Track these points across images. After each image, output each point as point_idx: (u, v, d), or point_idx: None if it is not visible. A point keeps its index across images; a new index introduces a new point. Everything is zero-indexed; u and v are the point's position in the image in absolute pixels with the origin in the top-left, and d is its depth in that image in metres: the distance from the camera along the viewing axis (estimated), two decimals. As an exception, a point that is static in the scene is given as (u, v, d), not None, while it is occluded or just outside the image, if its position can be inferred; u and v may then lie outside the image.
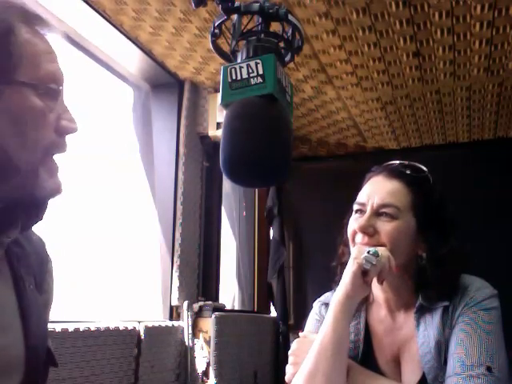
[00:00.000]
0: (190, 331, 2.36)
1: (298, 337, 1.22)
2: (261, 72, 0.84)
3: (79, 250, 2.02)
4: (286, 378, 1.14)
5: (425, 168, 1.21)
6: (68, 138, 0.81)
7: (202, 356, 2.36)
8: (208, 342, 2.38)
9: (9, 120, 0.74)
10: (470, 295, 1.09)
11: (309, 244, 3.56)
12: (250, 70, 0.85)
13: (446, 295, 1.11)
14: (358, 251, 1.09)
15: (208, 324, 2.40)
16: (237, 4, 0.90)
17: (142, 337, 2.03)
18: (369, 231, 1.12)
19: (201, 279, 2.60)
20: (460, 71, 2.43)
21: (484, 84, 2.57)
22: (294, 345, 1.18)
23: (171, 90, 2.61)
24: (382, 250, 1.08)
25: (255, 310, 3.29)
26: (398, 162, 1.23)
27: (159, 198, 2.53)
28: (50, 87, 0.77)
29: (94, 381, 1.77)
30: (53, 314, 0.96)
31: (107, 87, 2.46)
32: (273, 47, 0.90)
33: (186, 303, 2.39)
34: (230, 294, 3.23)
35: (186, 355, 2.34)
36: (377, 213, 1.14)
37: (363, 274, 1.07)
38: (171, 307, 2.42)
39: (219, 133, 2.46)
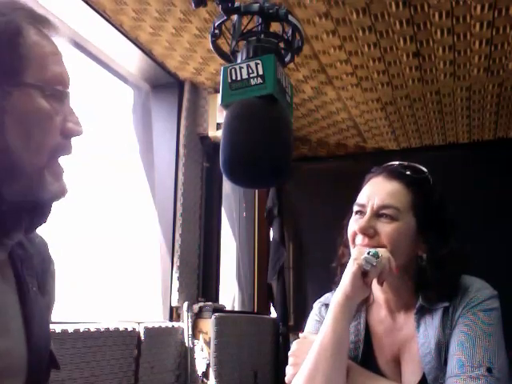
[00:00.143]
0: (190, 332, 2.36)
1: (298, 337, 1.22)
2: (261, 72, 0.84)
3: (79, 251, 2.02)
4: (286, 379, 1.14)
5: (425, 169, 1.21)
6: (73, 141, 0.81)
7: (202, 357, 2.36)
8: (208, 343, 2.38)
9: (16, 122, 0.73)
10: (470, 296, 1.09)
11: (309, 244, 3.56)
12: (250, 71, 0.84)
13: (446, 296, 1.11)
14: (358, 252, 1.09)
15: (208, 325, 2.40)
16: (237, 4, 0.90)
17: (142, 338, 2.03)
18: (369, 232, 1.12)
19: (201, 280, 2.60)
20: (460, 71, 2.43)
21: (484, 84, 2.57)
22: (294, 345, 1.18)
23: (171, 91, 2.61)
24: (382, 251, 1.08)
25: (255, 310, 3.29)
26: (397, 162, 1.23)
27: (159, 199, 2.53)
28: (56, 89, 0.77)
29: (93, 382, 1.77)
30: (53, 315, 0.96)
31: (107, 87, 2.46)
32: (273, 48, 0.90)
33: (185, 304, 2.39)
34: (229, 294, 3.23)
35: (186, 356, 2.34)
36: (377, 214, 1.14)
37: (363, 275, 1.07)
38: (171, 308, 2.42)
39: (219, 133, 2.46)
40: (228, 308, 2.81)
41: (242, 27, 0.93)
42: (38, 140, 0.75)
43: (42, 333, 0.83)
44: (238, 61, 0.90)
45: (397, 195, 1.15)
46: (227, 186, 3.07)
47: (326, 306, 1.22)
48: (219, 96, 0.87)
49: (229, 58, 0.96)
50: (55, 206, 0.82)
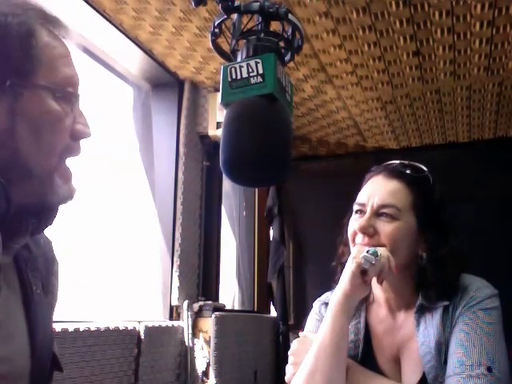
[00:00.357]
0: (190, 331, 2.36)
1: (298, 336, 1.22)
2: (261, 71, 0.84)
3: (79, 250, 2.02)
4: (286, 378, 1.14)
5: (425, 168, 1.21)
6: (82, 142, 0.81)
7: (202, 356, 2.36)
8: (208, 342, 2.38)
9: (26, 123, 0.73)
10: (471, 295, 1.09)
11: (309, 243, 3.56)
12: (250, 70, 0.84)
13: (447, 295, 1.11)
14: (358, 251, 1.09)
15: (208, 324, 2.40)
16: (237, 3, 0.90)
17: (142, 337, 2.03)
18: (369, 232, 1.12)
19: (201, 279, 2.60)
20: (460, 70, 2.43)
21: (484, 83, 2.57)
22: (294, 344, 1.18)
23: (171, 90, 2.61)
24: (381, 250, 1.08)
25: (255, 309, 3.29)
26: (397, 161, 1.22)
27: (159, 198, 2.53)
28: (67, 91, 0.77)
29: (93, 381, 1.77)
30: (54, 314, 0.95)
31: (107, 87, 2.46)
32: (273, 46, 0.89)
33: (185, 303, 2.39)
34: (229, 293, 3.23)
35: (186, 355, 2.34)
36: (377, 213, 1.13)
37: (362, 274, 1.07)
38: (171, 307, 2.42)
39: (219, 132, 2.46)
40: (228, 307, 2.81)
41: (242, 26, 0.92)
42: (49, 142, 0.75)
43: (45, 337, 0.82)
44: (238, 60, 0.90)
45: (397, 194, 1.15)
46: (227, 184, 3.07)
47: (326, 304, 1.22)
48: (219, 95, 0.87)
49: (229, 56, 0.96)
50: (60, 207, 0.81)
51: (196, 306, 2.42)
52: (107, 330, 1.85)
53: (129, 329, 1.97)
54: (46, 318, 0.84)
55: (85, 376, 1.73)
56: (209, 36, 0.96)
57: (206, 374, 2.36)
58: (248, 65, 0.85)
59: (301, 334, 1.23)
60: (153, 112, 2.60)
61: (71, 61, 0.80)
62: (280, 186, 3.30)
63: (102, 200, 2.18)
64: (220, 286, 2.78)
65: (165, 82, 2.59)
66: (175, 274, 2.41)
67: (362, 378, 1.10)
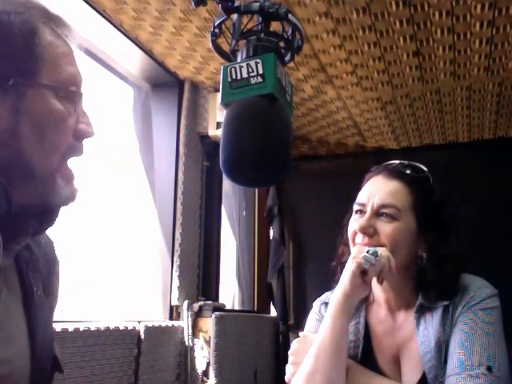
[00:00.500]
0: (190, 331, 2.36)
1: (298, 336, 1.22)
2: (261, 71, 0.84)
3: (79, 250, 2.02)
4: (286, 378, 1.14)
5: (425, 168, 1.21)
6: (85, 142, 0.80)
7: (202, 356, 2.36)
8: (208, 342, 2.38)
9: (29, 123, 0.72)
10: (471, 294, 1.09)
11: (309, 243, 3.56)
12: (250, 70, 0.84)
13: (447, 295, 1.11)
14: (358, 251, 1.09)
15: (208, 324, 2.40)
16: (237, 3, 0.90)
17: (142, 337, 2.03)
18: (369, 232, 1.12)
19: (201, 279, 2.60)
20: (460, 71, 2.43)
21: (484, 83, 2.57)
22: (294, 344, 1.18)
23: (171, 90, 2.61)
24: (381, 250, 1.08)
25: (255, 309, 3.29)
26: (397, 161, 1.23)
27: (159, 198, 2.53)
28: (70, 90, 0.76)
29: (93, 381, 1.77)
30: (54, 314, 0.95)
31: (107, 87, 2.46)
32: (273, 47, 0.89)
33: (185, 303, 2.39)
34: (229, 293, 3.23)
35: (186, 355, 2.34)
36: (377, 213, 1.14)
37: (362, 274, 1.07)
38: (171, 307, 2.42)
39: (219, 132, 2.46)
40: (228, 307, 2.81)
41: (242, 26, 0.93)
42: (52, 142, 0.74)
43: (45, 338, 0.81)
44: (238, 60, 0.90)
45: (397, 194, 1.15)
46: (227, 184, 3.07)
47: (326, 304, 1.22)
48: (219, 95, 0.87)
49: (229, 57, 0.96)
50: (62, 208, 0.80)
51: (196, 306, 2.42)
52: (107, 329, 1.85)
53: (129, 329, 1.98)
54: (46, 320, 0.83)
55: (85, 376, 1.73)
56: (209, 36, 0.97)
57: (205, 373, 2.36)
58: (248, 65, 0.85)
59: (301, 333, 1.23)
60: (153, 112, 2.61)
61: (74, 60, 0.80)
62: (280, 186, 3.30)
63: (102, 200, 2.18)
64: (220, 285, 2.78)
65: (165, 82, 2.59)
66: (175, 274, 2.41)
67: (361, 378, 1.10)
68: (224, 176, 0.89)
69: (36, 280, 0.82)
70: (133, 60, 2.38)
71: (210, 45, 0.97)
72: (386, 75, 2.48)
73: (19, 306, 0.77)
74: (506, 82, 2.55)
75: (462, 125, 3.12)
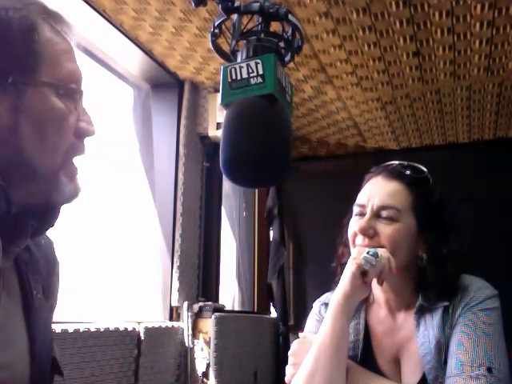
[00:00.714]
0: (190, 332, 2.36)
1: (298, 337, 1.22)
2: (261, 72, 0.84)
3: (79, 250, 2.02)
4: (286, 379, 1.14)
5: (424, 168, 1.21)
6: (86, 141, 0.79)
7: (202, 357, 2.36)
8: (208, 343, 2.38)
9: (30, 122, 0.71)
10: (471, 295, 1.09)
11: (309, 244, 3.56)
12: (250, 70, 0.84)
13: (446, 295, 1.11)
14: (358, 252, 1.09)
15: (208, 325, 2.40)
16: (237, 4, 0.90)
17: (142, 337, 2.03)
18: (369, 233, 1.12)
19: (201, 280, 2.60)
20: (460, 71, 2.43)
21: (484, 84, 2.57)
22: (294, 345, 1.18)
23: (171, 90, 2.61)
24: (381, 251, 1.07)
25: (255, 310, 3.29)
26: (397, 162, 1.22)
27: (159, 198, 2.53)
28: (70, 88, 0.75)
29: (93, 381, 1.77)
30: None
31: (107, 87, 2.46)
32: (273, 47, 0.89)
33: (185, 304, 2.39)
34: (229, 294, 3.23)
35: (186, 356, 2.34)
36: (377, 214, 1.13)
37: (362, 275, 1.07)
38: (171, 308, 2.42)
39: (219, 133, 2.46)
40: (228, 308, 2.81)
41: (242, 26, 0.92)
42: (53, 141, 0.73)
43: (45, 341, 0.80)
44: (238, 60, 0.90)
45: (397, 195, 1.15)
46: (227, 185, 3.07)
47: (326, 305, 1.22)
48: (219, 95, 0.87)
49: (229, 57, 0.96)
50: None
51: (196, 307, 2.42)
52: (107, 330, 1.85)
53: (129, 330, 1.97)
54: (46, 323, 0.82)
55: (85, 377, 1.73)
56: (209, 36, 0.96)
57: (206, 374, 2.35)
58: (248, 65, 0.85)
59: (301, 334, 1.23)
60: (153, 112, 2.60)
61: (74, 57, 0.78)
62: (280, 187, 3.30)
63: (102, 200, 2.18)
64: (220, 286, 2.78)
65: (165, 83, 2.59)
66: (175, 275, 2.41)
67: (361, 379, 1.10)
68: (224, 177, 0.89)
69: (36, 282, 0.81)
70: (133, 60, 2.38)
71: (210, 45, 0.97)
72: (386, 75, 2.48)
73: (19, 310, 0.76)
74: (506, 82, 2.54)
75: (462, 125, 3.12)
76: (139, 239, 2.48)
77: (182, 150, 2.53)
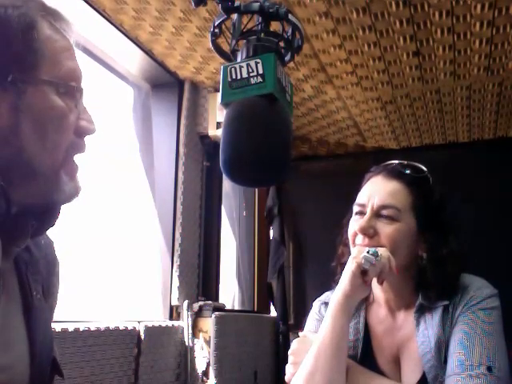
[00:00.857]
0: (190, 331, 2.36)
1: (298, 336, 1.22)
2: (261, 71, 0.84)
3: (79, 250, 2.02)
4: (286, 378, 1.14)
5: (424, 168, 1.21)
6: (86, 139, 0.78)
7: (202, 356, 2.36)
8: (208, 342, 2.38)
9: (30, 121, 0.70)
10: (471, 294, 1.09)
11: (309, 243, 3.56)
12: (250, 70, 0.84)
13: (446, 295, 1.11)
14: (358, 251, 1.09)
15: (208, 324, 2.40)
16: (237, 3, 0.90)
17: (142, 337, 2.03)
18: (369, 233, 1.12)
19: (201, 279, 2.60)
20: (460, 71, 2.43)
21: (484, 83, 2.57)
22: (294, 344, 1.18)
23: (171, 90, 2.61)
24: (381, 251, 1.08)
25: (255, 309, 3.29)
26: (397, 161, 1.23)
27: (159, 198, 2.53)
28: (70, 86, 0.74)
29: (93, 381, 1.77)
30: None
31: (107, 86, 2.46)
32: (273, 46, 0.89)
33: (185, 303, 2.39)
34: (229, 293, 3.23)
35: (186, 355, 2.34)
36: (377, 214, 1.13)
37: (362, 274, 1.07)
38: (171, 307, 2.42)
39: (219, 132, 2.46)
40: (228, 307, 2.81)
41: (242, 26, 0.93)
42: (53, 139, 0.72)
43: (45, 342, 0.80)
44: (238, 60, 0.90)
45: (397, 195, 1.15)
46: (227, 184, 3.07)
47: (326, 304, 1.22)
48: (219, 95, 0.87)
49: (229, 57, 0.96)
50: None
51: (196, 306, 2.42)
52: (107, 329, 1.85)
53: (129, 329, 1.98)
54: (45, 323, 0.82)
55: (85, 376, 1.73)
56: (209, 36, 0.97)
57: (205, 373, 2.36)
58: (248, 65, 0.85)
59: (301, 333, 1.23)
60: (153, 112, 2.60)
61: (74, 54, 0.78)
62: (280, 186, 3.30)
63: (102, 200, 2.18)
64: (220, 285, 2.78)
65: (165, 82, 2.59)
66: (175, 274, 2.41)
67: (361, 378, 1.10)
68: (224, 176, 0.89)
69: (36, 283, 0.80)
70: (133, 60, 2.38)
71: (210, 45, 0.97)
72: (386, 75, 2.48)
73: (18, 311, 0.76)
74: (505, 81, 2.54)
75: (462, 125, 3.12)
76: (139, 239, 2.48)
77: (182, 150, 2.53)
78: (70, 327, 1.67)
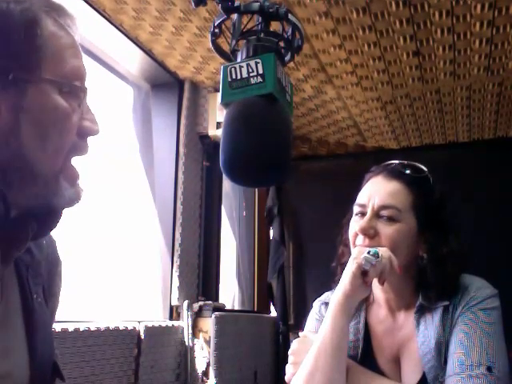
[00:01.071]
0: (190, 331, 2.36)
1: (298, 336, 1.22)
2: (261, 71, 0.84)
3: (79, 250, 2.02)
4: (286, 378, 1.14)
5: (425, 168, 1.21)
6: (89, 140, 0.76)
7: (202, 356, 2.36)
8: (208, 342, 2.38)
9: (31, 121, 0.67)
10: (471, 295, 1.09)
11: (309, 243, 3.56)
12: (250, 70, 0.84)
13: (447, 295, 1.11)
14: (358, 251, 1.09)
15: (208, 324, 2.40)
16: (237, 3, 0.90)
17: (142, 337, 2.03)
18: (369, 233, 1.12)
19: (201, 279, 2.60)
20: (460, 70, 2.43)
21: (484, 83, 2.57)
22: (294, 344, 1.18)
23: (171, 90, 2.61)
24: (382, 251, 1.07)
25: (255, 309, 3.29)
26: (397, 161, 1.22)
27: (159, 198, 2.53)
28: (74, 85, 0.71)
29: (93, 381, 1.77)
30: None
31: (107, 86, 2.46)
32: (273, 46, 0.89)
33: (185, 303, 2.39)
34: (229, 293, 3.23)
35: (186, 355, 2.34)
36: (377, 214, 1.13)
37: (363, 275, 1.07)
38: (171, 307, 2.42)
39: (219, 132, 2.46)
40: (228, 307, 2.81)
41: (242, 26, 0.93)
42: (55, 141, 0.69)
43: (45, 346, 0.78)
44: (238, 60, 0.90)
45: (397, 195, 1.15)
46: (227, 184, 3.07)
47: (326, 304, 1.22)
48: (219, 95, 0.87)
49: (229, 57, 0.96)
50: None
51: (196, 306, 2.42)
52: (107, 329, 1.85)
53: (129, 329, 1.97)
54: (46, 327, 0.80)
55: (85, 376, 1.73)
56: (209, 36, 0.97)
57: (205, 373, 2.36)
58: (248, 65, 0.85)
59: (301, 333, 1.23)
60: (153, 112, 2.60)
61: (78, 52, 0.74)
62: (280, 186, 3.30)
63: (102, 200, 2.18)
64: (220, 285, 2.78)
65: (165, 82, 2.59)
66: (175, 274, 2.41)
67: (362, 378, 1.10)
68: (224, 176, 0.89)
69: (36, 285, 0.78)
70: (133, 60, 2.38)
71: (210, 45, 0.97)
72: (386, 75, 2.48)
73: (18, 315, 0.74)
74: (506, 81, 2.54)
75: (462, 125, 3.12)
76: (139, 239, 2.48)
77: (181, 150, 2.53)
78: (70, 327, 1.67)
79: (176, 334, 2.31)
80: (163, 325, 2.23)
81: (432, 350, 1.09)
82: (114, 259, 2.24)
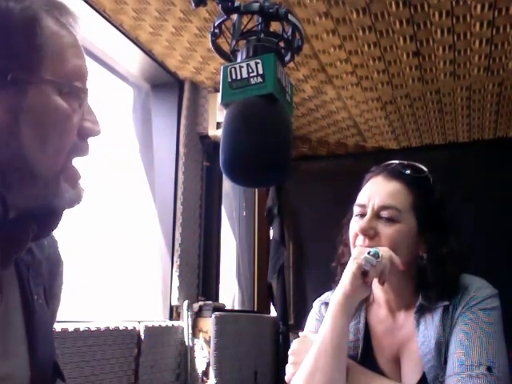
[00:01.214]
0: (190, 331, 2.36)
1: (298, 336, 1.22)
2: (261, 72, 0.84)
3: (79, 250, 2.02)
4: (286, 378, 1.14)
5: (425, 168, 1.21)
6: (90, 141, 0.74)
7: (202, 356, 2.36)
8: (208, 342, 2.38)
9: (31, 123, 0.66)
10: (471, 295, 1.09)
11: (309, 243, 3.56)
12: (250, 70, 0.85)
13: (447, 295, 1.11)
14: (359, 252, 1.09)
15: (208, 324, 2.40)
16: (237, 4, 0.90)
17: (142, 337, 2.03)
18: (370, 233, 1.12)
19: (201, 279, 2.60)
20: (460, 71, 2.43)
21: (484, 84, 2.57)
22: (294, 344, 1.18)
23: (171, 90, 2.61)
24: (383, 250, 1.07)
25: (255, 309, 3.29)
26: (397, 161, 1.22)
27: (159, 198, 2.53)
28: (75, 86, 0.70)
29: (93, 381, 1.77)
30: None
31: (107, 87, 2.46)
32: (273, 47, 0.90)
33: (185, 303, 2.39)
34: (229, 293, 3.23)
35: (186, 355, 2.34)
36: (377, 215, 1.13)
37: (363, 275, 1.07)
38: (171, 307, 2.42)
39: (219, 132, 2.46)
40: (228, 307, 2.81)
41: (242, 26, 0.93)
42: (55, 142, 0.68)
43: (46, 347, 0.78)
44: (238, 60, 0.90)
45: (397, 195, 1.15)
46: (227, 184, 3.07)
47: (326, 304, 1.22)
48: (219, 95, 0.87)
49: (229, 57, 0.96)
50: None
51: (196, 306, 2.42)
52: (107, 329, 1.85)
53: (129, 329, 1.98)
54: (46, 327, 0.80)
55: (85, 376, 1.73)
56: (209, 36, 0.97)
57: (205, 373, 2.36)
58: (248, 65, 0.85)
59: (301, 333, 1.23)
60: (153, 112, 2.60)
61: (80, 51, 0.73)
62: (280, 187, 3.30)
63: (102, 200, 2.18)
64: (220, 285, 2.78)
65: (165, 82, 2.59)
66: (175, 274, 2.41)
67: (362, 378, 1.10)
68: (224, 176, 0.89)
69: (37, 286, 0.78)
70: (133, 60, 2.38)
71: (210, 45, 0.97)
72: (386, 75, 2.48)
73: (19, 316, 0.74)
74: (506, 81, 2.55)
75: (462, 125, 3.12)
76: (139, 239, 2.48)
77: (181, 150, 2.53)
78: (70, 327, 1.67)
79: (176, 334, 2.31)
80: (163, 325, 2.23)
81: (432, 350, 1.09)
82: (114, 259, 2.24)
